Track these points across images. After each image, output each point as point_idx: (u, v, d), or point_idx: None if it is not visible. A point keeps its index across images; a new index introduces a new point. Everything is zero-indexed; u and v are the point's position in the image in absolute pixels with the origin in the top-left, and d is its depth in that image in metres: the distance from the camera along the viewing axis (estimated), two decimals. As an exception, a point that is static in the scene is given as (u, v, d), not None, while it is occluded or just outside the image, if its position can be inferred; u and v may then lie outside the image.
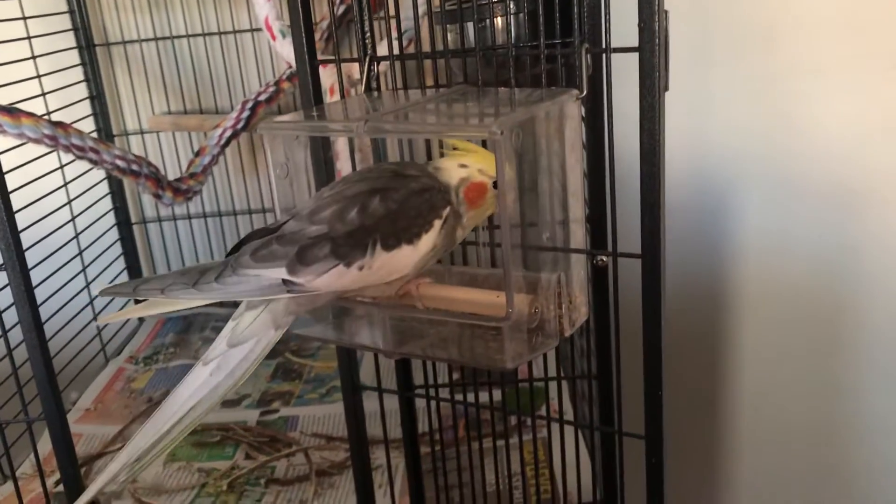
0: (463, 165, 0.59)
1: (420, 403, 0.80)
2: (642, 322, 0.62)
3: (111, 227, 1.33)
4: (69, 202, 1.20)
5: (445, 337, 0.63)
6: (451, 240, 0.59)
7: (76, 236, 1.21)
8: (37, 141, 0.92)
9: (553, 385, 0.85)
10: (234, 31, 1.27)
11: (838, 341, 1.07)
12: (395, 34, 0.86)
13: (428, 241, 0.57)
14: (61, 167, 1.17)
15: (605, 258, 0.64)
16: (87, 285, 1.23)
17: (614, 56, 0.60)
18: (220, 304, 1.31)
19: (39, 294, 0.84)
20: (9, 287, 0.75)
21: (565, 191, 0.60)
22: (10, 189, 0.75)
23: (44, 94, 1.16)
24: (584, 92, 0.60)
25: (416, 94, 0.68)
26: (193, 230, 1.36)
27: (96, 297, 1.23)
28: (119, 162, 1.02)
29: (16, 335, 0.78)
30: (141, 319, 1.37)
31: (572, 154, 0.59)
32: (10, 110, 0.90)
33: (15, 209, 0.76)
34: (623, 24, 0.59)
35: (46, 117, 0.99)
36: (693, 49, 1.01)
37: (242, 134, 1.17)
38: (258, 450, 1.00)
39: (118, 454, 0.60)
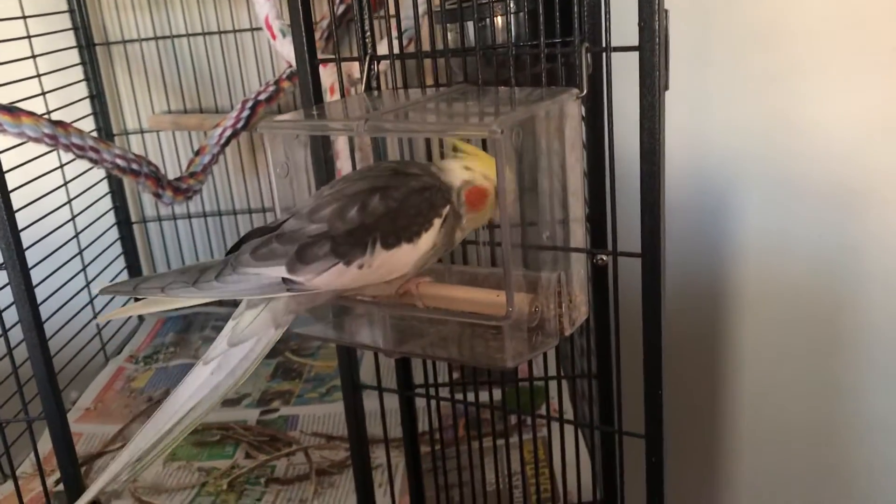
0: (468, 168, 0.59)
1: (420, 402, 0.80)
2: (642, 321, 0.62)
3: (111, 227, 1.33)
4: (69, 201, 1.20)
5: (445, 336, 0.63)
6: (449, 240, 0.59)
7: (76, 235, 1.21)
8: (37, 140, 0.92)
9: (553, 384, 0.85)
10: (234, 31, 1.27)
11: (838, 341, 1.07)
12: (395, 33, 0.86)
13: (428, 239, 0.57)
14: (61, 166, 1.17)
15: (605, 257, 0.64)
16: (87, 284, 1.23)
17: (614, 55, 0.60)
18: (220, 304, 1.33)
19: (39, 293, 0.84)
20: (9, 286, 0.75)
21: (565, 190, 0.60)
22: (10, 188, 0.75)
23: (44, 94, 1.16)
24: (585, 91, 0.60)
25: (416, 93, 0.68)
26: (193, 229, 1.36)
27: (96, 296, 1.23)
28: (119, 161, 1.02)
29: (16, 334, 0.78)
30: (141, 319, 1.38)
31: (572, 153, 0.59)
32: (11, 109, 0.90)
33: (15, 208, 0.76)
34: (623, 23, 0.59)
35: (46, 116, 0.99)
36: (693, 48, 1.01)
37: (242, 133, 1.17)
38: (258, 449, 1.00)
39: (119, 454, 0.60)
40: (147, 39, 1.28)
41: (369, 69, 0.69)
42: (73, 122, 0.98)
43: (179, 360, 1.23)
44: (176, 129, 1.30)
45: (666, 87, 0.58)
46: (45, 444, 0.85)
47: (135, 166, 1.04)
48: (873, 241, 1.01)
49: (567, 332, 0.60)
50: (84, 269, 1.23)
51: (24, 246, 0.77)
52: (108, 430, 1.06)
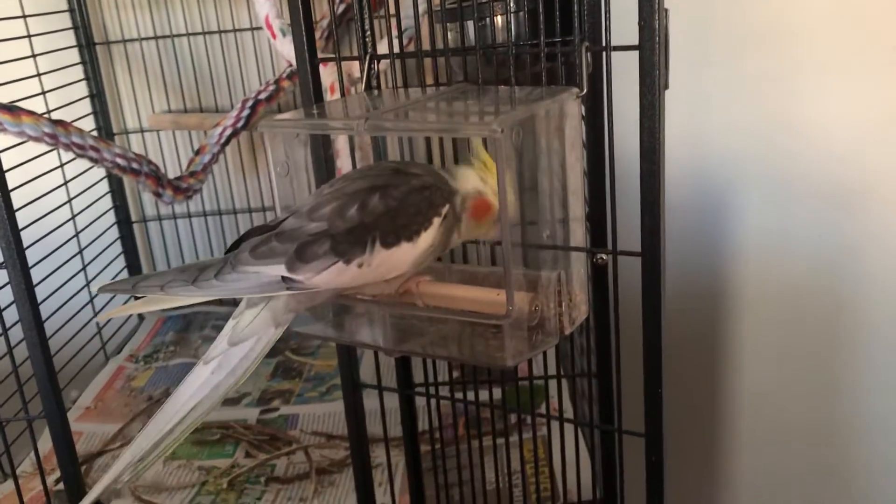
0: (483, 181, 0.59)
1: (420, 401, 0.80)
2: (642, 320, 0.62)
3: (111, 226, 1.33)
4: (69, 200, 1.20)
5: (445, 335, 0.63)
6: (446, 240, 0.59)
7: (76, 234, 1.21)
8: (37, 139, 0.92)
9: (553, 383, 0.85)
10: (235, 30, 1.27)
11: (838, 341, 1.07)
12: (395, 32, 0.86)
13: (427, 238, 0.57)
14: (61, 165, 1.17)
15: (605, 256, 0.64)
16: (88, 283, 1.23)
17: (614, 54, 0.60)
18: (220, 302, 1.33)
19: (39, 292, 0.84)
20: (9, 285, 0.75)
21: (565, 189, 0.60)
22: (10, 187, 0.75)
23: (44, 93, 1.16)
24: (585, 90, 0.60)
25: (416, 92, 0.68)
26: (193, 229, 1.36)
27: (96, 295, 1.23)
28: (119, 160, 1.02)
29: (16, 333, 0.78)
30: (141, 318, 1.38)
31: (572, 152, 0.59)
32: (11, 108, 0.90)
33: (15, 207, 0.76)
34: (623, 23, 0.59)
35: (47, 115, 0.99)
36: (693, 48, 1.01)
37: (242, 132, 1.17)
38: (258, 448, 1.00)
39: (121, 454, 0.60)
40: (147, 39, 1.28)
41: (369, 68, 0.69)
42: (73, 121, 0.98)
43: (179, 360, 1.23)
44: (176, 129, 1.30)
45: (666, 87, 0.58)
46: (46, 443, 0.85)
47: (135, 165, 1.04)
48: (873, 241, 1.01)
49: (567, 330, 0.60)
50: (84, 268, 1.23)
51: (25, 245, 0.77)
52: (108, 429, 1.06)
